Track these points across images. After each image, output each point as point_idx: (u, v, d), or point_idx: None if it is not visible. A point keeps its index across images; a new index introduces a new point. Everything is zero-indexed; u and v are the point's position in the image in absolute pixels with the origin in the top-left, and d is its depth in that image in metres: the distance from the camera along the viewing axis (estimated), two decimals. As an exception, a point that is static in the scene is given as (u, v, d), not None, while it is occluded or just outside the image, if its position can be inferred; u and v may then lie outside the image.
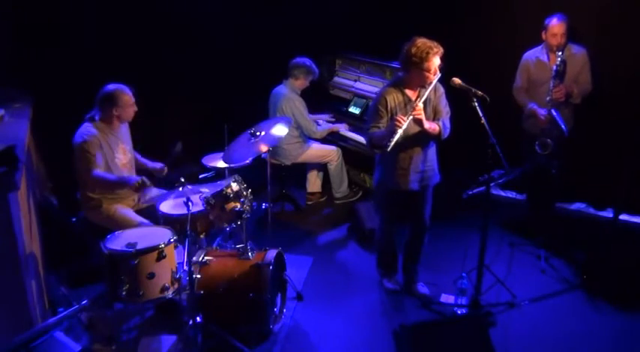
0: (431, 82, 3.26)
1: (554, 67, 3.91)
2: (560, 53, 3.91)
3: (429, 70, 3.21)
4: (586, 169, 4.68)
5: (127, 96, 3.54)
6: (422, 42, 3.21)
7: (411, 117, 3.21)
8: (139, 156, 3.90)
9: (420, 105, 3.24)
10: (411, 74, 3.30)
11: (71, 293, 3.58)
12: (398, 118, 3.18)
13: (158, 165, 3.89)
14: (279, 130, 3.64)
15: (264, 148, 3.54)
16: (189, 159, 3.94)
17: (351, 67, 5.52)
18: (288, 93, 4.85)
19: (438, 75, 3.27)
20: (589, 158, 4.64)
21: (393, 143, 3.17)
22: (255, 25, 5.40)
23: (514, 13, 4.81)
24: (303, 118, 4.86)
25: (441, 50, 3.22)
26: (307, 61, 4.90)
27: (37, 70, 4.39)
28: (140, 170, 3.85)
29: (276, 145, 3.74)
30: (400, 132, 3.17)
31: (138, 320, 3.49)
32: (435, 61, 3.21)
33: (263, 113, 5.01)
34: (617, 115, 4.47)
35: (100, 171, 3.43)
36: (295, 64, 4.89)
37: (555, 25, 3.97)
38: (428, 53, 3.18)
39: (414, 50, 3.20)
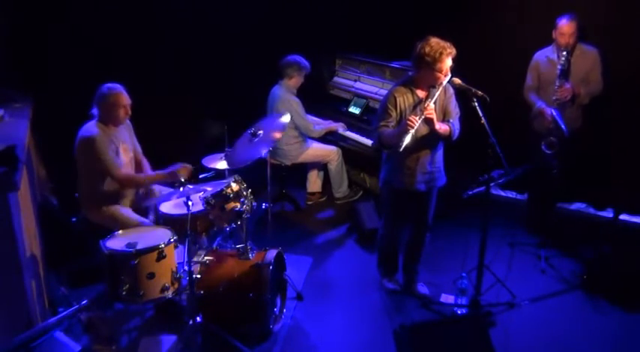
0: (441, 83, 3.25)
1: (559, 66, 3.93)
2: (564, 53, 3.92)
3: (440, 71, 3.20)
4: (586, 169, 4.68)
5: (119, 97, 3.50)
6: (436, 42, 3.19)
7: (423, 117, 3.20)
8: (146, 167, 3.85)
9: (432, 105, 3.23)
10: (422, 74, 3.28)
11: (71, 293, 3.58)
12: (410, 118, 3.16)
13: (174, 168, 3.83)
14: (285, 118, 3.65)
15: (278, 135, 3.54)
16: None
17: (351, 67, 5.52)
18: (283, 95, 4.83)
19: (449, 76, 3.25)
20: (589, 158, 4.64)
21: (404, 143, 3.15)
22: (255, 24, 5.40)
23: (514, 12, 4.81)
24: (300, 118, 4.85)
25: (454, 51, 3.20)
26: (296, 58, 4.85)
27: (37, 70, 4.39)
28: None
29: (273, 147, 3.74)
30: (412, 132, 3.16)
31: (138, 320, 3.49)
32: (448, 62, 3.19)
33: (263, 113, 5.00)
34: (617, 115, 4.47)
35: (126, 170, 3.52)
36: (285, 63, 4.84)
37: (564, 25, 3.99)
38: (441, 53, 3.16)
39: (427, 49, 3.17)
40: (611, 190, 4.66)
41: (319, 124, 5.11)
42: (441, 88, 3.27)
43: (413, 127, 3.14)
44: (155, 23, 4.92)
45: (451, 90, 3.43)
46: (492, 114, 3.25)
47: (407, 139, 3.14)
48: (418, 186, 3.51)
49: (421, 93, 3.36)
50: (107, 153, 3.44)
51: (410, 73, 3.43)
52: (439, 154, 3.54)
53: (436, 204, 3.71)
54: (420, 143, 3.38)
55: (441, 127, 3.31)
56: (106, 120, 3.54)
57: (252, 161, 3.63)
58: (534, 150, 4.21)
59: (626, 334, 3.44)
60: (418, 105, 3.32)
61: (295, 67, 4.83)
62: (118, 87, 3.53)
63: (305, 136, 5.01)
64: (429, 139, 3.40)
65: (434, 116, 3.24)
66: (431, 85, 3.30)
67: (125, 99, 3.53)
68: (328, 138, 5.17)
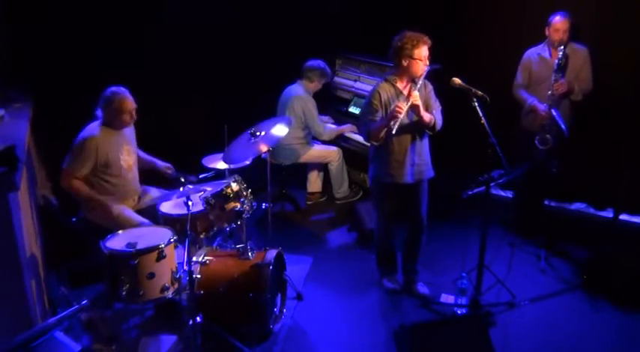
0: (422, 74, 3.39)
1: (556, 61, 3.96)
2: (562, 47, 3.95)
3: (420, 58, 3.36)
4: (586, 169, 4.68)
5: (124, 102, 3.50)
6: (410, 33, 3.40)
7: (410, 103, 3.32)
8: (145, 155, 3.91)
9: (416, 92, 3.36)
10: (403, 66, 3.42)
11: (71, 293, 3.58)
12: (398, 105, 3.30)
13: (166, 164, 3.90)
14: (279, 130, 3.64)
15: (264, 148, 3.54)
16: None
17: (351, 67, 5.52)
18: (302, 94, 4.87)
19: (428, 67, 3.39)
20: (589, 158, 4.63)
21: (396, 128, 3.27)
22: (254, 25, 5.40)
23: (514, 13, 4.81)
24: (314, 119, 4.88)
25: (429, 41, 3.38)
26: (322, 64, 4.93)
27: (37, 70, 4.39)
28: (145, 169, 3.85)
29: (274, 146, 3.75)
30: (401, 117, 3.27)
31: (138, 320, 3.48)
32: (425, 51, 3.37)
33: (263, 113, 4.99)
34: (617, 115, 4.47)
35: (77, 182, 3.45)
36: (310, 66, 4.90)
37: (558, 22, 4.03)
38: (418, 41, 3.35)
39: (405, 40, 3.38)
40: (611, 190, 4.65)
41: (329, 126, 5.13)
42: (421, 80, 3.41)
43: (401, 113, 3.27)
44: (156, 23, 4.92)
45: (430, 86, 3.58)
46: (494, 114, 3.26)
47: (397, 125, 3.27)
48: (407, 179, 3.57)
49: (402, 86, 3.51)
50: (84, 157, 3.42)
51: (390, 72, 3.57)
52: (425, 146, 3.62)
53: (435, 203, 3.72)
54: (405, 135, 3.49)
55: (425, 115, 3.42)
56: (110, 123, 3.55)
57: (247, 160, 3.63)
58: (526, 149, 4.18)
59: (626, 334, 3.44)
60: (400, 96, 3.47)
61: (318, 73, 4.90)
62: (123, 91, 3.53)
63: (309, 138, 5.03)
64: (414, 130, 3.51)
65: (419, 103, 3.37)
66: (412, 80, 3.47)
67: (130, 104, 3.53)
68: (329, 137, 5.17)
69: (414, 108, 3.37)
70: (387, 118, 3.34)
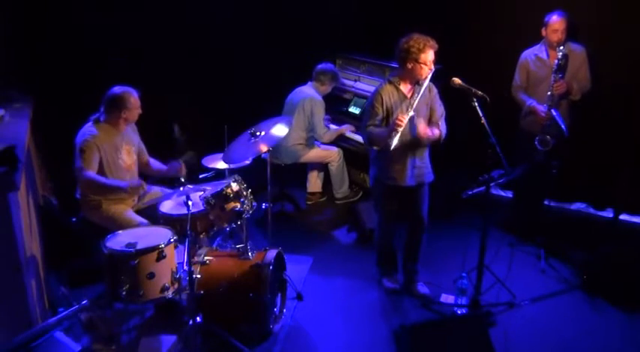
0: (426, 77, 3.36)
1: (556, 61, 3.95)
2: (561, 47, 3.94)
3: (425, 63, 3.33)
4: (586, 169, 4.68)
5: (134, 99, 3.55)
6: (418, 36, 3.36)
7: (411, 114, 3.29)
8: (155, 163, 3.89)
9: (412, 113, 3.30)
10: (408, 68, 3.39)
11: (71, 293, 3.58)
12: (399, 117, 3.26)
13: (175, 165, 3.79)
14: (279, 130, 3.64)
15: (264, 148, 3.54)
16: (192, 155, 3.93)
17: (351, 67, 5.52)
18: (315, 96, 4.89)
19: (432, 70, 3.36)
20: (589, 158, 4.64)
21: (394, 143, 3.24)
22: (254, 25, 5.40)
23: (514, 13, 4.81)
24: (320, 122, 4.91)
25: (436, 45, 3.34)
26: (333, 68, 5.01)
27: (37, 70, 4.39)
28: (150, 175, 3.85)
29: (275, 145, 3.77)
30: (400, 130, 3.25)
31: (138, 320, 3.49)
32: (430, 55, 3.34)
33: (263, 113, 4.99)
34: (617, 115, 4.47)
35: (92, 172, 3.43)
36: (322, 69, 4.95)
37: (556, 22, 4.02)
38: (425, 45, 3.31)
39: (411, 42, 3.33)
40: (611, 190, 4.65)
41: (331, 128, 5.15)
42: (426, 84, 3.38)
43: (401, 126, 3.25)
44: (155, 23, 4.92)
45: (435, 90, 3.56)
46: (494, 115, 3.27)
47: (396, 139, 3.25)
48: (408, 181, 3.57)
49: (406, 90, 3.48)
50: (90, 155, 3.41)
51: (394, 73, 3.54)
52: (426, 150, 3.62)
53: (435, 203, 3.71)
54: (408, 139, 3.47)
55: (431, 135, 3.42)
56: (117, 122, 3.55)
57: (247, 160, 3.62)
58: (527, 150, 4.18)
59: (626, 334, 3.44)
60: (404, 101, 3.43)
61: (330, 76, 4.96)
62: (131, 89, 3.56)
63: (312, 139, 5.03)
64: (416, 135, 3.49)
65: (425, 134, 3.38)
66: (416, 82, 3.43)
67: (138, 99, 3.57)
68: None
69: (420, 136, 3.38)
70: (388, 129, 3.31)
